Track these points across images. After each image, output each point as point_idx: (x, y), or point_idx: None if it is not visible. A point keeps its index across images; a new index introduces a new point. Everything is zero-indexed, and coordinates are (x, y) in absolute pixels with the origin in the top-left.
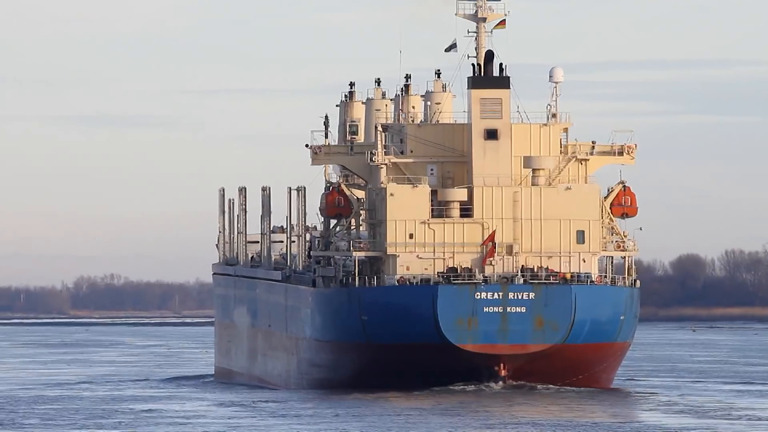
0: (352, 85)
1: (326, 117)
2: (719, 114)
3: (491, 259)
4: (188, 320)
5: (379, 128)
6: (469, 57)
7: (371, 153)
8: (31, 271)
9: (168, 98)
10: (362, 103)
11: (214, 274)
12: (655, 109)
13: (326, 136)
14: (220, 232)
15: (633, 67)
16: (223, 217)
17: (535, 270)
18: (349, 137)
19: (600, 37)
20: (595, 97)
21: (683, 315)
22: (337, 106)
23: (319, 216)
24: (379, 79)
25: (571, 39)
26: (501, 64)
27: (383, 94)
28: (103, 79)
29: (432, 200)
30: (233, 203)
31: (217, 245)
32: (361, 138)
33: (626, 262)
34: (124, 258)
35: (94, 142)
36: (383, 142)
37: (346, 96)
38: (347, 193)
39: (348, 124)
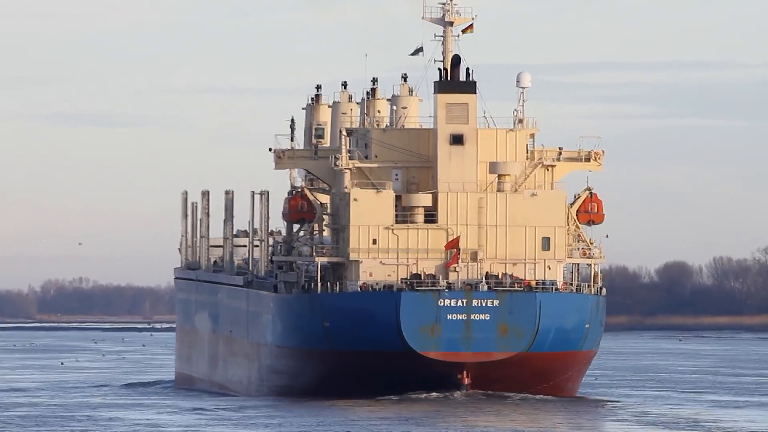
0: (318, 88)
1: (292, 120)
2: (703, 117)
3: (455, 265)
4: (159, 325)
5: (344, 132)
6: (435, 61)
7: (335, 157)
8: None
9: (133, 97)
10: (328, 106)
11: (176, 278)
12: (637, 111)
13: (292, 140)
14: (182, 235)
15: (604, 69)
16: (186, 220)
17: (500, 277)
18: (314, 141)
19: (570, 39)
20: (565, 100)
21: (670, 324)
22: (303, 108)
23: (283, 221)
24: (345, 82)
25: (540, 41)
26: (468, 69)
27: (350, 98)
28: (68, 78)
29: (396, 206)
30: (196, 207)
31: (179, 249)
32: (327, 142)
33: (592, 269)
34: (94, 260)
35: (61, 141)
36: (348, 147)
37: (312, 99)
38: (310, 197)
39: (314, 127)
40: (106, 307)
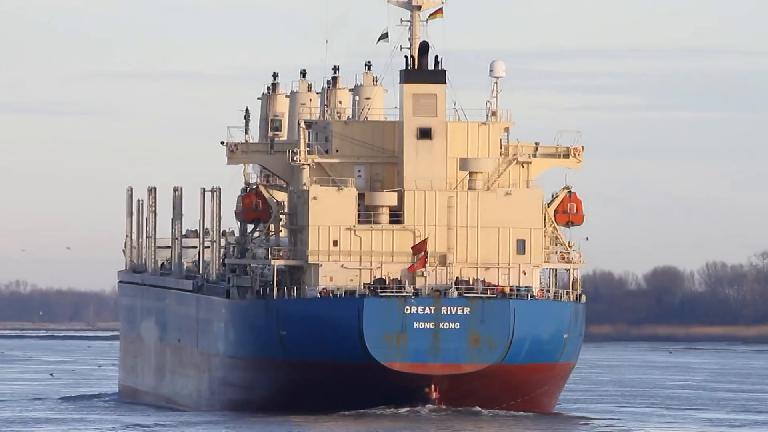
0: (275, 76)
1: (246, 110)
2: (695, 109)
3: (422, 269)
4: (103, 333)
5: (302, 125)
6: (402, 48)
7: (293, 152)
8: None
9: (70, 83)
10: (286, 96)
11: (119, 282)
12: (621, 103)
13: (246, 132)
14: (127, 235)
15: (585, 56)
16: (131, 219)
17: (471, 282)
18: (271, 133)
19: (548, 24)
20: (542, 90)
21: (659, 334)
22: (258, 98)
23: (236, 220)
24: (304, 70)
25: (515, 25)
26: (437, 57)
27: (309, 87)
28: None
29: (359, 205)
30: (142, 204)
31: (123, 250)
32: (284, 135)
33: (571, 275)
34: (32, 262)
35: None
36: (306, 140)
37: (268, 88)
38: (266, 195)
39: (270, 119)
40: (45, 313)
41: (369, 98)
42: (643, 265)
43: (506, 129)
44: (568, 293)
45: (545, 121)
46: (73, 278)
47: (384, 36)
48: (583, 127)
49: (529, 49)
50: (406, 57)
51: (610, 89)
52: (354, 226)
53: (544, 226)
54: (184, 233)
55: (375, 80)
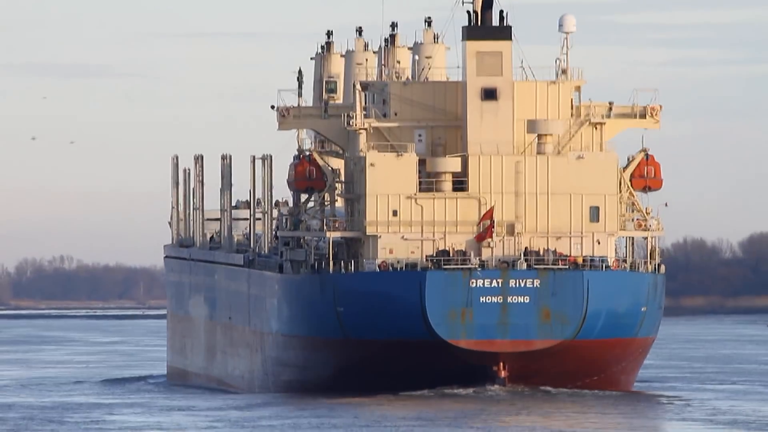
0: (329, 34)
1: (299, 72)
2: None
3: (489, 240)
4: (155, 312)
5: (358, 87)
6: (464, 3)
7: (348, 116)
8: None
9: (114, 45)
10: (341, 56)
11: (166, 257)
12: (706, 57)
13: (299, 95)
14: (173, 207)
15: (667, 7)
16: (177, 190)
17: (541, 253)
18: (325, 96)
19: None
20: (617, 44)
21: (756, 306)
22: (312, 59)
23: (289, 190)
24: (360, 28)
25: None
26: (501, 12)
27: (365, 46)
28: (41, 23)
29: (420, 171)
30: (188, 174)
31: (170, 223)
32: (339, 97)
33: (649, 243)
34: (77, 237)
35: (36, 97)
36: (363, 103)
37: (322, 47)
38: (320, 162)
39: (324, 80)
40: (92, 292)
41: (430, 57)
42: (738, 232)
43: (577, 88)
44: (646, 263)
45: (620, 78)
46: (121, 253)
47: None
48: (662, 84)
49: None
50: (468, 12)
51: (691, 43)
52: (415, 194)
53: (620, 192)
54: (234, 204)
55: (436, 38)
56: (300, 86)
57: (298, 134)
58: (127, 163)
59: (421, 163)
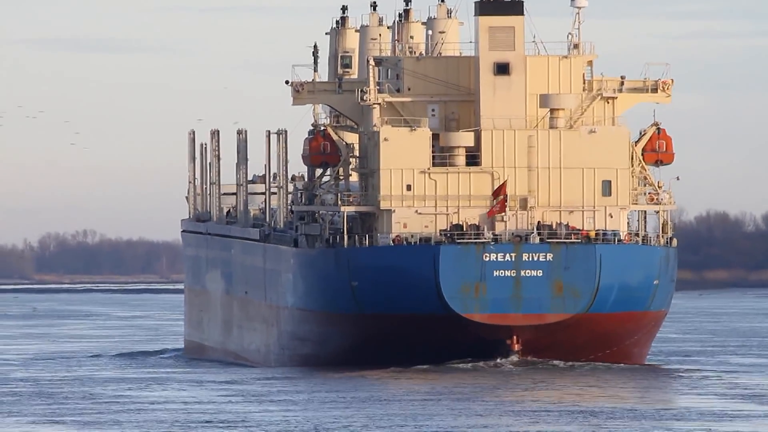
0: (344, 9)
1: (315, 47)
2: None
3: (502, 214)
4: (178, 286)
5: (372, 62)
6: None
7: (362, 91)
8: None
9: (127, 20)
10: (356, 31)
11: (183, 231)
12: (719, 29)
13: (315, 70)
14: (190, 182)
15: None
16: (194, 164)
17: (554, 227)
18: (341, 71)
19: None
20: (629, 16)
21: None
22: (326, 33)
23: (304, 164)
24: (375, 2)
25: None
26: None
27: (380, 21)
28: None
29: (433, 146)
30: (205, 148)
31: (187, 198)
32: (355, 72)
33: (660, 217)
34: (100, 211)
35: (56, 71)
36: (376, 78)
37: (337, 23)
38: (334, 137)
39: (339, 55)
40: (115, 266)
41: (443, 32)
42: (762, 205)
43: (589, 62)
44: (658, 237)
45: (632, 52)
46: (144, 227)
47: None
48: (674, 57)
49: None
50: None
51: (703, 15)
52: (428, 168)
53: (632, 166)
54: (250, 179)
55: (449, 12)
56: (315, 61)
57: (313, 109)
58: (148, 137)
59: (435, 137)
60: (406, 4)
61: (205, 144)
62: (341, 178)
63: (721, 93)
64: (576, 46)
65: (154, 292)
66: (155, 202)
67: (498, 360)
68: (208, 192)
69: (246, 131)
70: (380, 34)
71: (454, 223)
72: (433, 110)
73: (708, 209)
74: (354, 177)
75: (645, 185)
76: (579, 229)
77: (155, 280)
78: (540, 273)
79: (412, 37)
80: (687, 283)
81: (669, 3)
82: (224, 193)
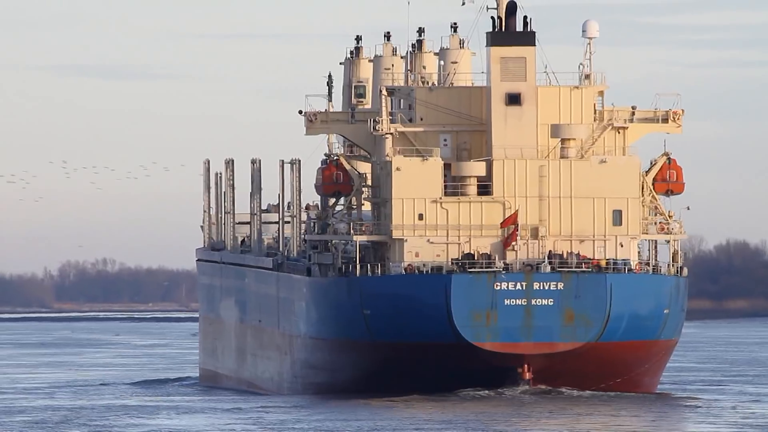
0: (358, 39)
1: (329, 77)
2: None
3: (513, 243)
4: (197, 314)
5: (384, 92)
6: (488, 9)
7: (375, 121)
8: (6, 256)
9: (140, 47)
10: (369, 60)
11: (198, 260)
12: (729, 59)
13: (329, 99)
14: (205, 211)
15: (693, 8)
16: (209, 194)
17: (565, 256)
18: (355, 101)
19: None
20: (640, 45)
21: None
22: (341, 63)
23: (316, 194)
24: (388, 33)
25: None
26: (525, 17)
27: (394, 51)
28: (80, 25)
29: (445, 175)
30: (220, 178)
31: (202, 227)
32: (368, 102)
33: (671, 246)
34: (119, 240)
35: (77, 97)
36: (389, 108)
37: (351, 53)
38: (347, 167)
39: (354, 85)
40: (135, 294)
41: (456, 62)
42: None
43: (600, 93)
44: (668, 266)
45: (643, 82)
46: (163, 256)
47: None
48: (684, 85)
49: (622, 1)
50: (492, 18)
51: (714, 44)
52: (440, 198)
53: (642, 196)
54: (264, 208)
55: (462, 43)
56: (330, 91)
57: (328, 138)
58: (165, 165)
59: (447, 167)
60: (420, 35)
61: (220, 173)
62: (354, 207)
63: (743, 120)
64: (587, 77)
65: (174, 321)
66: (174, 230)
67: (503, 390)
68: (223, 221)
69: (260, 160)
70: (393, 64)
71: (465, 252)
72: (445, 140)
73: (728, 238)
74: (366, 206)
75: (656, 215)
76: (590, 259)
77: (174, 308)
78: (551, 302)
79: (424, 67)
80: (706, 313)
81: (680, 31)
82: (239, 222)
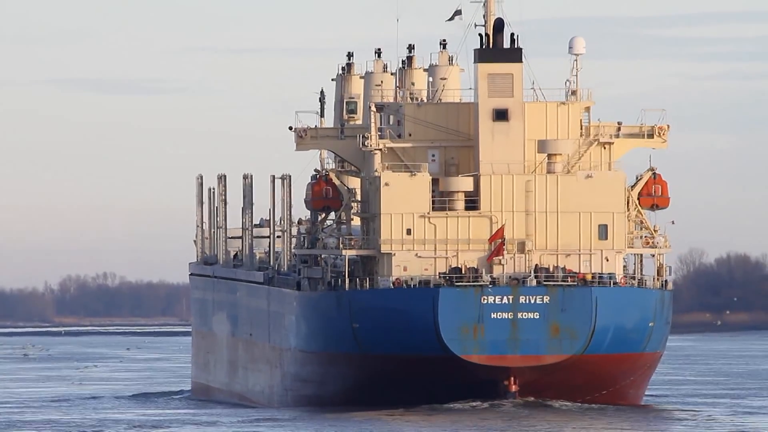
0: (350, 56)
1: (321, 93)
2: None
3: (500, 257)
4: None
5: (373, 108)
6: (476, 26)
7: (364, 137)
8: (7, 270)
9: (132, 61)
10: (360, 77)
11: (191, 274)
12: (716, 72)
13: (322, 115)
14: (197, 226)
15: (679, 22)
16: (201, 208)
17: (551, 270)
18: (346, 116)
19: None
20: (626, 58)
21: None
22: (332, 79)
23: (306, 209)
24: (379, 49)
25: None
26: (513, 34)
27: (384, 67)
28: (72, 39)
29: (433, 191)
30: (213, 193)
31: (194, 241)
32: (360, 118)
33: (656, 260)
34: (120, 254)
35: (76, 112)
36: (378, 124)
37: (343, 69)
38: (336, 182)
39: (345, 101)
40: (135, 308)
41: (444, 78)
42: None
43: (587, 108)
44: (653, 280)
45: (626, 96)
46: (164, 270)
47: (457, 13)
48: (673, 97)
49: (613, 14)
50: (480, 35)
51: (699, 57)
52: (428, 213)
53: (628, 210)
54: (256, 222)
55: (451, 59)
56: (322, 107)
57: (320, 153)
58: (164, 180)
59: (435, 182)
60: (410, 51)
61: (213, 188)
62: (343, 222)
63: (747, 133)
64: (573, 93)
65: (174, 335)
66: (174, 244)
67: (495, 401)
68: (215, 236)
69: (252, 176)
70: (382, 81)
71: (453, 266)
72: (433, 155)
73: (728, 251)
74: (356, 221)
75: (641, 229)
76: (576, 272)
77: (175, 322)
78: (537, 315)
79: (413, 84)
80: (707, 326)
81: (668, 45)
82: (231, 237)
